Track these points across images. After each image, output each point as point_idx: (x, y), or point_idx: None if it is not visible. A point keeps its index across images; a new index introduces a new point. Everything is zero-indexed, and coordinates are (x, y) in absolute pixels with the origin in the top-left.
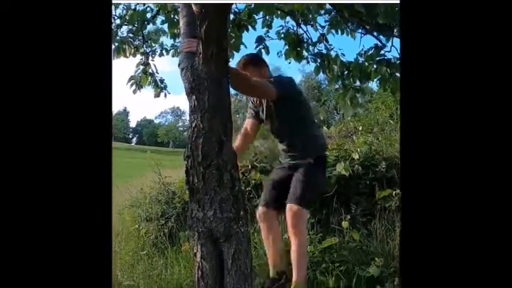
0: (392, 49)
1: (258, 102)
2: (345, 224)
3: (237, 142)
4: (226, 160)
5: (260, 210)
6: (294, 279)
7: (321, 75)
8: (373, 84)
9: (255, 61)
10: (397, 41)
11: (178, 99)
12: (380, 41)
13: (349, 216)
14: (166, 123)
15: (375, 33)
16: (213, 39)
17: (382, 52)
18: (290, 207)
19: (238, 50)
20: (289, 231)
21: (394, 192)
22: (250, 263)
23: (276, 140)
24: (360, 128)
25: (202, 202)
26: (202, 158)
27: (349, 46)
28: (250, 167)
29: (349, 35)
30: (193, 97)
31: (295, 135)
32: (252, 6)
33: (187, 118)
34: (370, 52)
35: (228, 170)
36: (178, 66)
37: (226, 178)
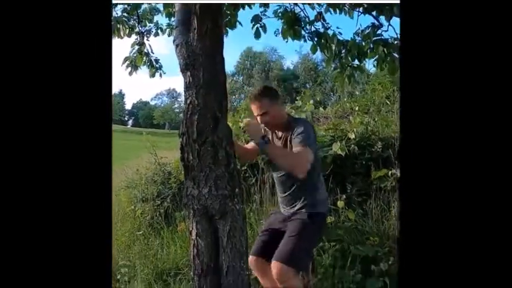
0: (390, 29)
1: (273, 138)
2: (340, 203)
3: (246, 146)
4: (221, 137)
5: (250, 258)
6: None
7: (318, 57)
8: (370, 66)
9: (277, 96)
10: (394, 21)
11: (174, 80)
12: (377, 20)
13: (344, 196)
14: (162, 105)
15: (373, 13)
16: (208, 15)
17: (379, 32)
18: (274, 265)
19: (232, 28)
20: (276, 282)
21: (389, 173)
22: (246, 240)
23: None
24: (357, 109)
25: (197, 179)
26: (197, 135)
27: (347, 25)
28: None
29: (347, 14)
30: (188, 73)
31: (301, 186)
32: None
33: (183, 100)
34: (367, 31)
35: (223, 147)
36: (173, 42)
37: (221, 155)
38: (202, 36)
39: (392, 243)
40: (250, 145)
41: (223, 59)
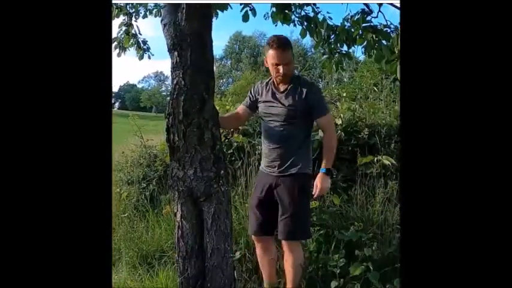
0: (380, 15)
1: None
2: None
3: (225, 116)
4: (207, 118)
5: (253, 238)
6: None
7: (308, 43)
8: (359, 53)
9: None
10: (385, 7)
11: (162, 63)
12: (367, 7)
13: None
14: (149, 88)
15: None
16: None
17: (368, 18)
18: (287, 245)
19: (223, 10)
20: (286, 260)
21: (375, 159)
22: (230, 223)
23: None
24: (344, 95)
25: (182, 161)
26: (183, 115)
27: (337, 10)
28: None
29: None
30: (176, 53)
31: (297, 145)
32: None
33: (169, 83)
34: (356, 17)
35: (209, 129)
36: (161, 22)
37: (207, 136)
38: (190, 16)
39: (376, 229)
40: (240, 107)
41: (211, 39)
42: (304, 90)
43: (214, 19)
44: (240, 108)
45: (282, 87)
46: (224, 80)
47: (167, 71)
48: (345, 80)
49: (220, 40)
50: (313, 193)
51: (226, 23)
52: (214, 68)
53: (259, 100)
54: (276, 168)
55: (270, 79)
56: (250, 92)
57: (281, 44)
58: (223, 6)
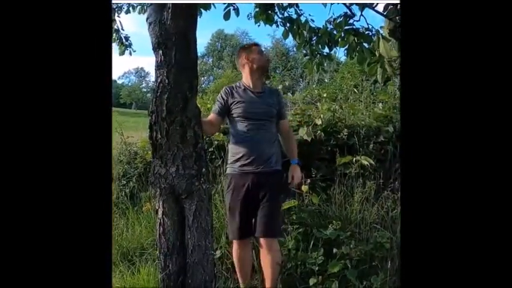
0: (362, 19)
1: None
2: (304, 188)
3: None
4: (190, 117)
5: (235, 242)
6: (267, 285)
7: (290, 42)
8: (341, 54)
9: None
10: (367, 11)
11: (142, 60)
12: (350, 10)
13: (309, 181)
14: (130, 84)
15: (346, 3)
16: None
17: (351, 21)
18: (267, 242)
19: (206, 9)
20: (265, 258)
21: (354, 159)
22: (211, 219)
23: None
24: (325, 96)
25: (165, 158)
26: (166, 113)
27: (319, 13)
28: None
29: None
30: (160, 52)
31: (274, 142)
32: None
33: (151, 79)
34: (339, 20)
35: (191, 127)
36: (146, 20)
37: (189, 135)
38: (176, 15)
39: (354, 228)
40: (212, 116)
41: (195, 39)
42: (275, 93)
43: (198, 17)
44: (212, 116)
45: (258, 89)
46: (205, 77)
47: (148, 67)
48: (326, 80)
49: (202, 38)
50: (289, 182)
51: (209, 21)
52: (197, 56)
53: (235, 101)
54: (257, 166)
55: (236, 84)
56: (222, 98)
57: (260, 50)
58: (207, 6)
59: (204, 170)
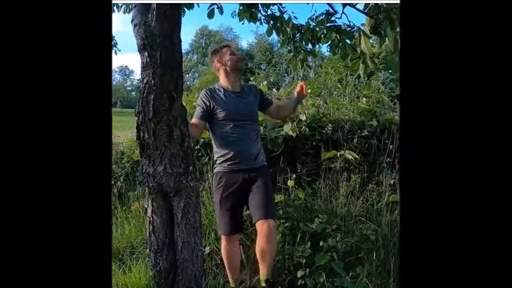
0: (343, 16)
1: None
2: (290, 183)
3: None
4: (176, 116)
5: (224, 238)
6: (263, 272)
7: (274, 38)
8: (324, 49)
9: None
10: (348, 9)
11: (127, 58)
12: (332, 8)
13: (294, 176)
14: (114, 83)
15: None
16: None
17: (333, 18)
18: (267, 223)
19: (190, 8)
20: (266, 241)
21: (338, 154)
22: (199, 216)
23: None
24: (309, 91)
25: (152, 157)
26: (153, 113)
27: (302, 10)
28: None
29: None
30: (146, 53)
31: (257, 143)
32: None
33: (136, 78)
34: (321, 17)
35: (178, 126)
36: (131, 22)
37: (176, 134)
38: (160, 17)
39: (339, 221)
40: (195, 121)
41: (180, 39)
42: (252, 88)
43: (182, 16)
44: (195, 121)
45: (237, 89)
46: (190, 74)
47: (132, 66)
48: (311, 75)
49: (186, 35)
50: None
51: (193, 18)
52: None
53: (217, 106)
54: (246, 164)
55: (215, 86)
56: (203, 102)
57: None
58: (190, 5)
59: (191, 168)
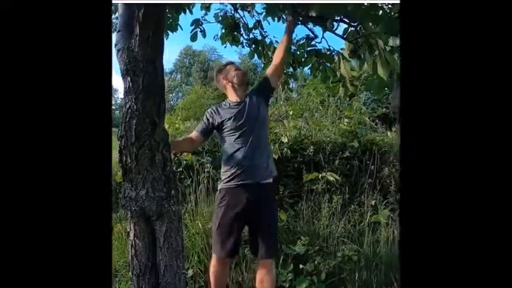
0: (323, 40)
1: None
2: None
3: (179, 140)
4: (158, 141)
5: (217, 260)
6: None
7: (258, 59)
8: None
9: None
10: (328, 34)
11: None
12: (312, 32)
13: (277, 198)
14: None
15: (308, 25)
16: (151, 22)
17: (313, 43)
18: (266, 264)
19: (173, 31)
20: (266, 280)
21: (320, 176)
22: (182, 240)
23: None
24: (291, 113)
25: (135, 181)
26: (135, 138)
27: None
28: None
29: (285, 23)
30: (128, 78)
31: (264, 151)
32: None
33: (119, 97)
34: (302, 41)
35: (160, 151)
36: (115, 46)
37: (158, 158)
38: (143, 42)
39: (322, 242)
40: (194, 134)
41: (162, 65)
42: (252, 91)
43: (165, 39)
44: (194, 134)
45: (240, 98)
46: (174, 94)
47: (115, 85)
48: (294, 95)
49: (170, 54)
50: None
51: (177, 38)
52: (165, 82)
53: (224, 119)
54: (252, 177)
55: (222, 103)
56: (206, 119)
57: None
58: (174, 28)
59: (173, 192)
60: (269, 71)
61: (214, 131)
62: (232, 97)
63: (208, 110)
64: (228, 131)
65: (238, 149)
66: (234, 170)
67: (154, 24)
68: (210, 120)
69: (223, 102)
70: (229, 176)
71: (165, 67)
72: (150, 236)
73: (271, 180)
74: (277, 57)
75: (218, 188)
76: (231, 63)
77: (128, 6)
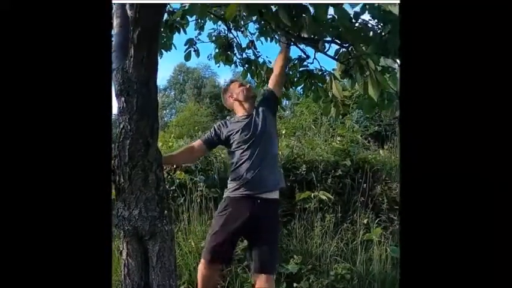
0: (315, 61)
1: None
2: None
3: (178, 152)
4: (151, 161)
5: (206, 264)
6: None
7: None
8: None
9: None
10: (320, 55)
11: None
12: (304, 53)
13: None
14: None
15: (300, 45)
16: (145, 44)
17: (305, 63)
18: (264, 279)
19: (167, 50)
20: None
21: (312, 195)
22: (174, 260)
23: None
24: (284, 132)
25: (128, 201)
26: (128, 158)
27: (277, 52)
28: (174, 166)
29: (277, 43)
30: (122, 99)
31: (271, 163)
32: (186, 7)
33: (113, 112)
34: (294, 62)
35: (153, 171)
36: None
37: (151, 178)
38: (138, 64)
39: (314, 261)
40: (197, 142)
41: (156, 86)
42: (258, 104)
43: (159, 58)
44: (197, 143)
45: (247, 112)
46: (167, 110)
47: None
48: (287, 112)
49: (164, 71)
50: None
51: (171, 55)
52: (158, 98)
53: (232, 133)
54: (257, 190)
55: (232, 118)
56: (214, 130)
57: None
58: (168, 47)
59: (166, 212)
60: (271, 81)
61: (220, 145)
62: (239, 112)
63: (218, 123)
64: (236, 144)
65: (244, 161)
66: (239, 181)
67: (149, 45)
68: (218, 132)
69: (233, 117)
70: (234, 186)
71: (159, 83)
72: (143, 255)
73: (276, 195)
74: (276, 66)
75: (223, 196)
76: (234, 81)
77: (123, 27)
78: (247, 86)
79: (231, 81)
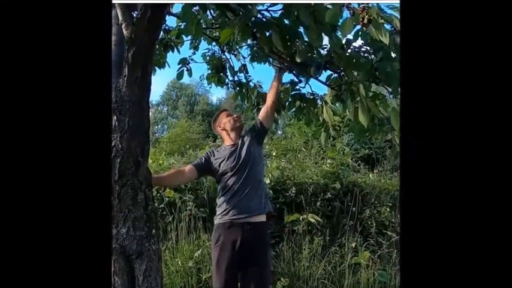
0: (307, 85)
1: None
2: None
3: (169, 174)
4: (141, 180)
5: None
6: None
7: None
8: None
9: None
10: (312, 80)
11: None
12: (297, 77)
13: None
14: None
15: (293, 70)
16: (140, 63)
17: (297, 87)
18: None
19: (161, 67)
20: None
21: (301, 217)
22: (161, 279)
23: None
24: (274, 153)
25: (116, 219)
26: (118, 177)
27: (268, 79)
28: None
29: (271, 66)
30: (115, 117)
31: (257, 188)
32: (182, 26)
33: None
34: (286, 86)
35: (142, 190)
36: None
37: (140, 197)
38: (131, 83)
39: (302, 283)
40: (188, 167)
41: (149, 105)
42: (246, 133)
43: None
44: (188, 167)
45: (234, 141)
46: (159, 126)
47: None
48: (279, 132)
49: (158, 86)
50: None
51: (164, 71)
52: (151, 113)
53: (218, 161)
54: (246, 216)
55: (217, 147)
56: (204, 157)
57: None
58: (162, 64)
59: (154, 231)
60: (262, 113)
61: (208, 173)
62: (226, 141)
63: (207, 151)
64: (222, 171)
65: (230, 187)
66: (226, 206)
67: (143, 66)
68: (207, 159)
69: (221, 146)
70: (221, 212)
71: (151, 99)
72: (130, 274)
73: (263, 218)
74: (268, 100)
75: (214, 223)
76: (224, 110)
77: (118, 45)
78: (234, 117)
79: (220, 111)
